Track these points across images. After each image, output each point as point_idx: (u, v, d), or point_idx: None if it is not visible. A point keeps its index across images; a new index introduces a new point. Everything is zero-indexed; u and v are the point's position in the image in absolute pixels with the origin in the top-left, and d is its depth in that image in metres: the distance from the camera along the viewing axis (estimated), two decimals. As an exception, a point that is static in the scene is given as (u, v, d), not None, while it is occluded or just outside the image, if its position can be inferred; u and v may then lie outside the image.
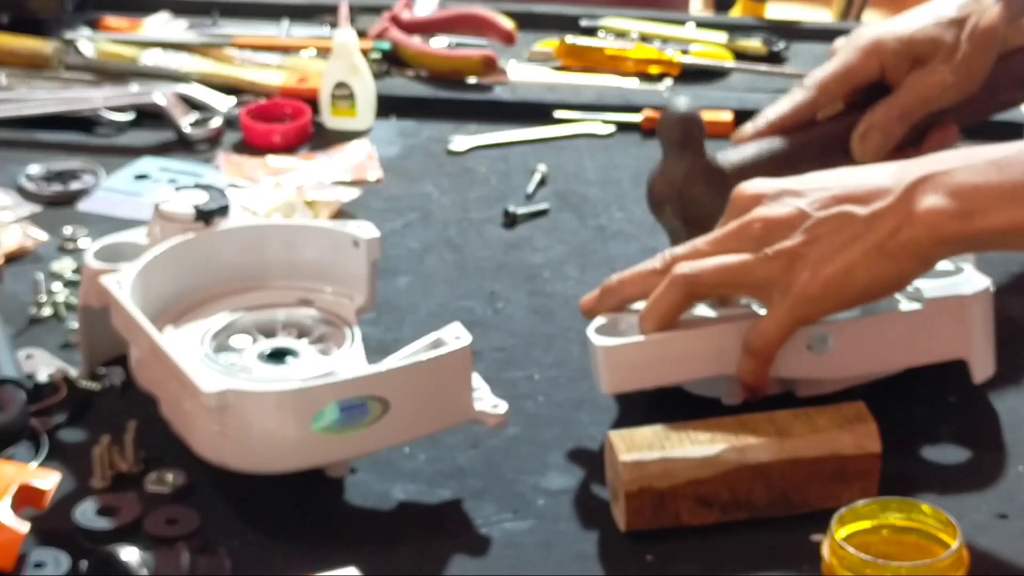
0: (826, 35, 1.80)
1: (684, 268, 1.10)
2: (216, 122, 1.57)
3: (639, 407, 1.15)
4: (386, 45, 1.70)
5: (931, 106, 1.30)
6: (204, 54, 1.70)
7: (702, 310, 1.13)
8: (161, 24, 1.80)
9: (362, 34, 1.68)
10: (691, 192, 1.25)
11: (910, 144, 1.30)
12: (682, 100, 1.26)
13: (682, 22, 1.81)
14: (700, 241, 1.12)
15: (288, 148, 1.56)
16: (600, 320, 1.13)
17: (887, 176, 1.10)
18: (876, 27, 1.33)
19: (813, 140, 1.31)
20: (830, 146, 1.31)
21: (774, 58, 1.73)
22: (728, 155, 1.28)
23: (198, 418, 1.03)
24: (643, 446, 1.04)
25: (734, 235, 1.11)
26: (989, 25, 1.29)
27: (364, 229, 1.18)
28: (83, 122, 1.59)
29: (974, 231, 1.06)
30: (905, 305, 1.14)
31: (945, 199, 1.07)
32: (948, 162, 1.09)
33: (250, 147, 1.56)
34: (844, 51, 1.32)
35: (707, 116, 1.57)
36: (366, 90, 1.59)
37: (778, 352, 1.10)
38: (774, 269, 1.09)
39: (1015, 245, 1.11)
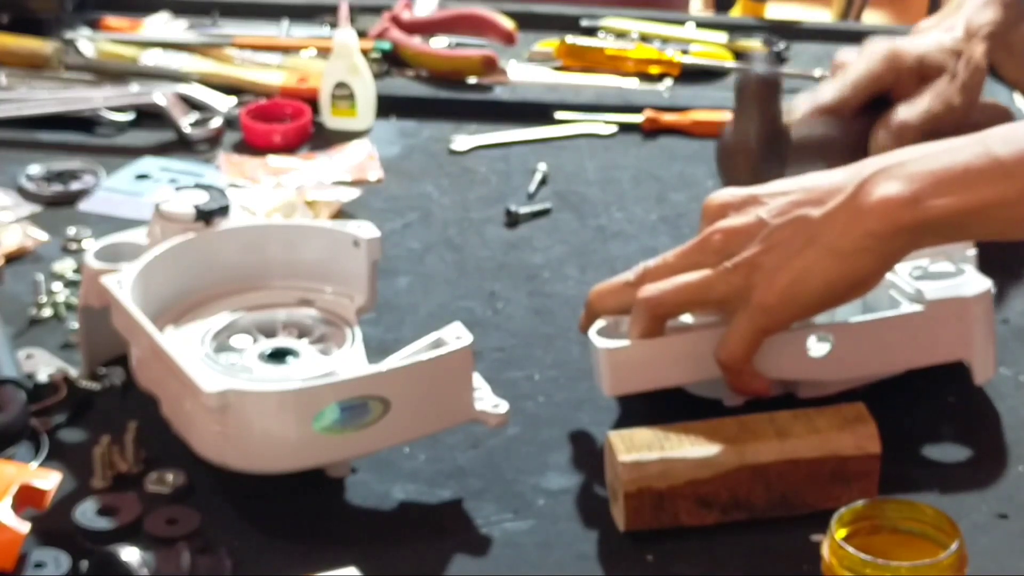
0: (826, 35, 1.81)
1: (647, 292, 1.10)
2: (216, 122, 1.57)
3: (639, 407, 1.15)
4: (386, 45, 1.70)
5: (937, 121, 1.34)
6: (204, 54, 1.70)
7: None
8: (161, 24, 1.80)
9: (362, 34, 1.68)
10: (766, 151, 1.29)
11: None
12: (760, 64, 1.31)
13: (682, 22, 1.81)
14: (670, 254, 1.12)
15: (288, 148, 1.56)
16: (601, 322, 1.13)
17: (845, 175, 1.10)
18: (889, 41, 1.38)
19: (851, 133, 1.35)
20: (859, 140, 1.35)
21: (774, 58, 1.73)
22: (793, 128, 1.33)
23: (199, 418, 1.04)
24: (642, 446, 1.04)
25: (697, 248, 1.11)
26: (980, 61, 1.37)
27: (364, 229, 1.18)
28: (83, 122, 1.59)
29: (928, 217, 1.05)
30: (906, 307, 1.14)
31: (897, 186, 1.05)
32: (907, 154, 1.09)
33: (250, 147, 1.56)
34: (866, 59, 1.37)
35: (707, 116, 1.59)
36: (366, 90, 1.59)
37: (751, 361, 1.09)
38: (734, 282, 1.08)
39: (974, 231, 1.09)
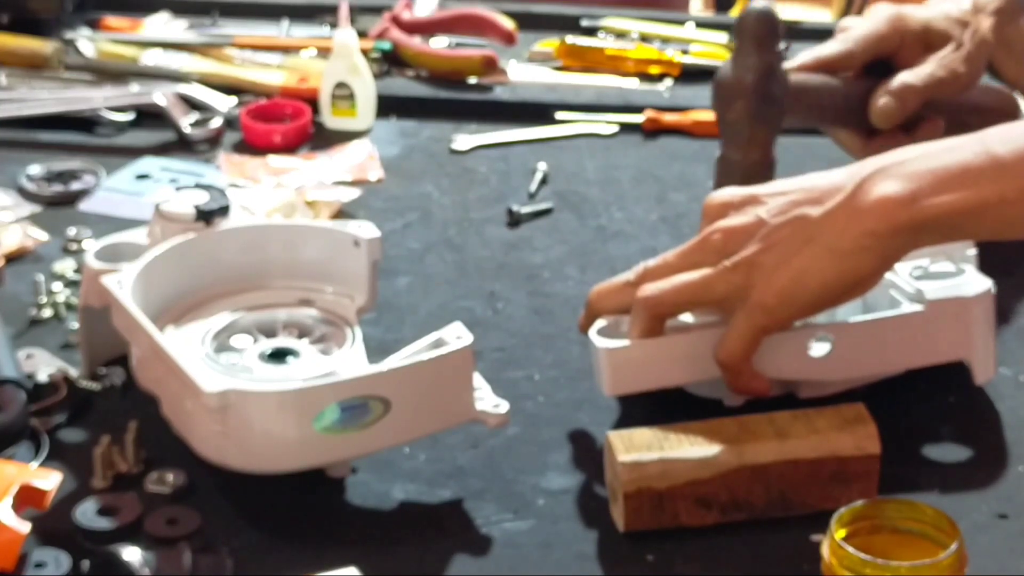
0: (826, 35, 1.80)
1: (647, 291, 1.10)
2: (216, 122, 1.57)
3: (640, 408, 1.15)
4: (386, 45, 1.70)
5: (941, 88, 1.34)
6: (204, 54, 1.70)
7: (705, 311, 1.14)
8: (161, 24, 1.80)
9: (362, 34, 1.69)
10: (764, 88, 1.28)
11: (903, 130, 1.33)
12: (759, 2, 1.31)
13: (682, 22, 1.81)
14: (670, 254, 1.13)
15: (288, 148, 1.56)
16: (602, 322, 1.13)
17: (844, 174, 1.10)
18: (895, 6, 1.38)
19: (851, 92, 1.35)
20: (860, 101, 1.35)
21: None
22: (791, 75, 1.33)
23: (199, 418, 1.04)
24: (642, 447, 1.04)
25: (697, 248, 1.11)
26: (986, 34, 1.36)
27: (365, 229, 1.18)
28: (83, 122, 1.59)
29: (926, 216, 1.04)
30: (907, 307, 1.14)
31: (895, 185, 1.05)
32: (906, 153, 1.08)
33: (250, 147, 1.56)
34: (871, 20, 1.37)
35: (708, 116, 1.59)
36: (366, 90, 1.59)
37: (751, 361, 1.09)
38: (733, 281, 1.08)
39: (973, 231, 1.08)
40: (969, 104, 1.37)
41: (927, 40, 1.36)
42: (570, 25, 1.79)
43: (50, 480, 1.02)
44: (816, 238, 1.06)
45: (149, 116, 1.59)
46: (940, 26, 1.36)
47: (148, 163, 1.52)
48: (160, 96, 1.59)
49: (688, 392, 1.15)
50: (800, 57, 1.36)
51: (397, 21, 1.74)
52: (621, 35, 1.76)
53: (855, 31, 1.37)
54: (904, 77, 1.34)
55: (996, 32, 1.37)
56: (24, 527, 0.99)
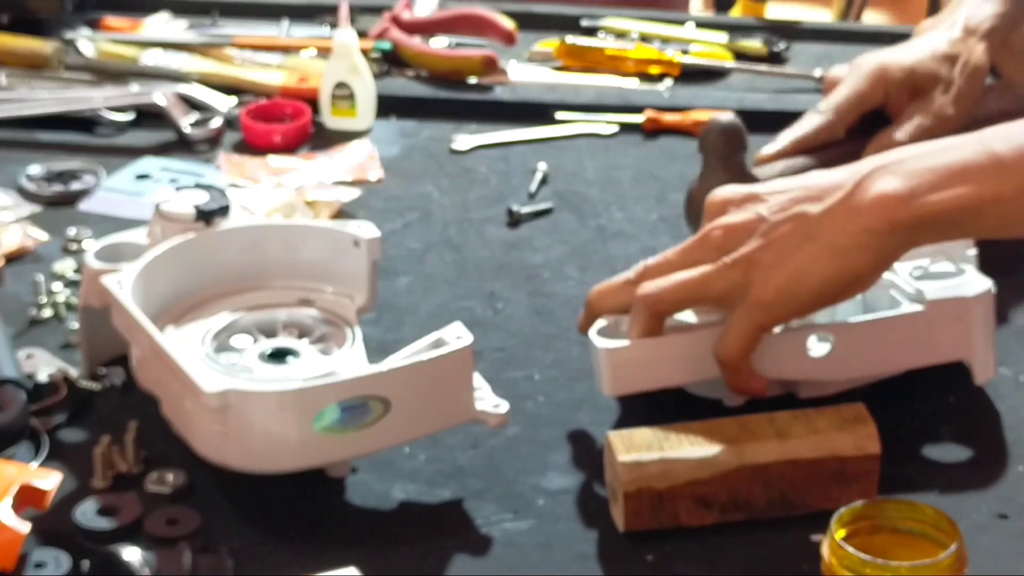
0: (826, 35, 1.81)
1: (646, 289, 1.10)
2: (216, 122, 1.57)
3: (640, 408, 1.15)
4: (386, 45, 1.70)
5: (930, 135, 1.32)
6: (204, 54, 1.70)
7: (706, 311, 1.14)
8: (161, 24, 1.80)
9: (362, 34, 1.69)
10: None
11: None
12: (726, 115, 1.30)
13: (682, 22, 1.81)
14: (670, 252, 1.12)
15: (288, 148, 1.56)
16: (602, 322, 1.13)
17: (845, 173, 1.10)
18: (878, 55, 1.38)
19: (832, 161, 1.33)
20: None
21: (774, 58, 1.73)
22: (760, 171, 1.31)
23: (199, 418, 1.04)
24: (642, 446, 1.04)
25: (698, 245, 1.11)
26: (978, 63, 1.35)
27: (365, 229, 1.18)
28: (83, 122, 1.59)
29: (925, 213, 1.04)
30: (907, 307, 1.14)
31: (894, 182, 1.05)
32: (906, 151, 1.09)
33: (250, 147, 1.56)
34: (852, 78, 1.36)
35: (707, 116, 1.59)
36: (366, 90, 1.59)
37: (751, 360, 1.09)
38: (732, 278, 1.08)
39: (971, 229, 1.08)
40: (981, 117, 1.35)
41: (914, 86, 1.35)
42: (570, 25, 1.79)
43: (50, 480, 1.02)
44: (815, 235, 1.06)
45: (149, 116, 1.59)
46: (926, 68, 1.35)
47: (148, 163, 1.52)
48: (160, 96, 1.58)
49: (688, 392, 1.15)
50: (779, 141, 1.35)
51: (397, 21, 1.74)
52: (621, 35, 1.76)
53: (834, 98, 1.35)
54: (891, 134, 1.33)
55: (991, 53, 1.36)
56: (24, 527, 0.99)
